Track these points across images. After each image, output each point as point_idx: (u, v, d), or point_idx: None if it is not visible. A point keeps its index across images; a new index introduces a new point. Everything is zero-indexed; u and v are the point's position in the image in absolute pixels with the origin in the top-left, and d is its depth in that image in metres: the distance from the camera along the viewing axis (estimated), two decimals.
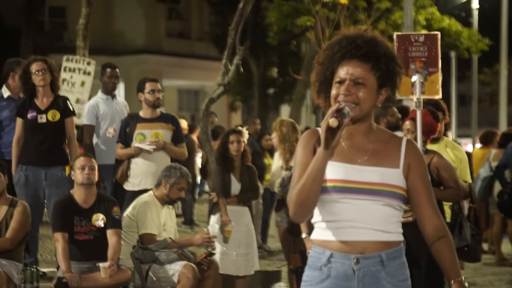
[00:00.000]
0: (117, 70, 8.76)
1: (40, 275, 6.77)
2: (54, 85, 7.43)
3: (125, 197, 7.53)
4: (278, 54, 25.69)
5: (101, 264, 6.20)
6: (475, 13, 24.78)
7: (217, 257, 6.99)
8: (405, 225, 3.07)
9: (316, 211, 2.97)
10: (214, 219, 7.35)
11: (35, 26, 20.50)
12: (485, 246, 10.43)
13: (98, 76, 8.92)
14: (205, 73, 27.58)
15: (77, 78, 9.52)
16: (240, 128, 8.08)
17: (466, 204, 6.95)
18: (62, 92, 8.03)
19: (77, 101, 9.36)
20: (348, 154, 2.96)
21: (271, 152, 11.37)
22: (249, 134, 11.25)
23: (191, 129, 13.65)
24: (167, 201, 6.87)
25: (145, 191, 7.14)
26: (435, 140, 6.32)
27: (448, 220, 5.98)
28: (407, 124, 6.13)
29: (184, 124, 12.52)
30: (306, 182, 2.85)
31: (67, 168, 7.29)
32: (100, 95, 8.66)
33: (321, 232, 2.97)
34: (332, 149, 2.82)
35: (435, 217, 3.00)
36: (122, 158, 7.70)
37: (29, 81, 7.36)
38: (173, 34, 30.33)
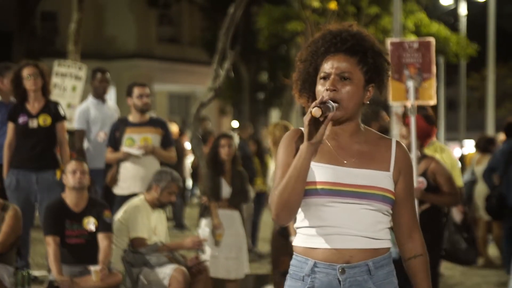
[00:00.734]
0: (108, 74, 8.81)
1: (31, 278, 6.79)
2: (45, 90, 7.44)
3: (115, 201, 7.56)
4: (269, 59, 25.75)
5: (92, 268, 6.22)
6: (463, 19, 24.97)
7: (207, 261, 7.04)
8: None
9: (300, 216, 2.78)
10: (204, 222, 7.40)
11: (27, 30, 20.47)
12: None
13: (89, 81, 8.97)
14: (196, 78, 27.60)
15: (68, 83, 9.54)
16: (231, 132, 8.13)
17: (460, 209, 6.99)
18: (53, 97, 8.06)
19: (69, 105, 9.37)
20: (334, 155, 2.77)
21: (260, 156, 11.41)
22: (242, 138, 11.34)
23: (181, 133, 13.69)
24: (158, 205, 6.90)
25: (134, 195, 7.18)
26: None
27: None
28: (403, 130, 6.18)
29: (174, 128, 12.57)
30: (289, 181, 2.67)
31: (57, 172, 7.32)
32: (91, 100, 8.70)
33: (304, 239, 2.78)
34: (315, 146, 2.65)
35: (415, 231, 2.86)
36: (111, 162, 7.72)
37: (21, 86, 7.36)
38: (165, 39, 30.33)
